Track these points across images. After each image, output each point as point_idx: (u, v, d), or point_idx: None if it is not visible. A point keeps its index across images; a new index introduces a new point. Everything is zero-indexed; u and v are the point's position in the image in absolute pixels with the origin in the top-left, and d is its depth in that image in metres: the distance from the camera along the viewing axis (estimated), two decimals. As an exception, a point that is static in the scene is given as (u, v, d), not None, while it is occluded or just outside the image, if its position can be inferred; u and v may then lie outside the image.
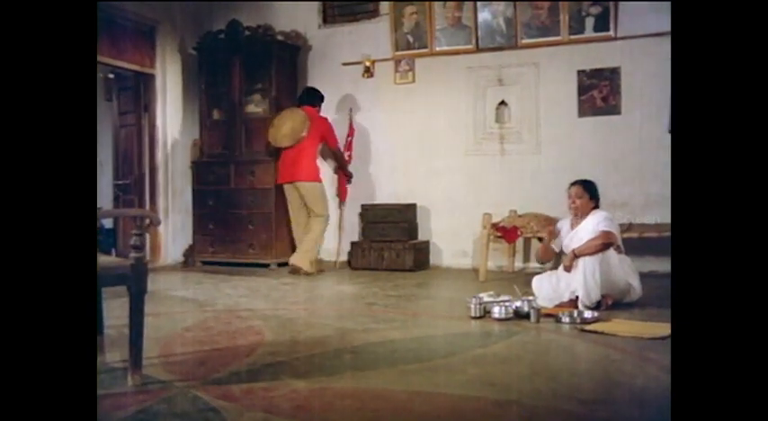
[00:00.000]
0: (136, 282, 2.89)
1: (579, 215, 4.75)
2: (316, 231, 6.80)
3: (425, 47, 7.19)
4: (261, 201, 7.27)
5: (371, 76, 7.43)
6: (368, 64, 7.39)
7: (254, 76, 7.47)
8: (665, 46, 6.15)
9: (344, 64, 7.51)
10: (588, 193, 4.77)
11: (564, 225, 4.90)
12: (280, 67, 7.43)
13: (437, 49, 7.13)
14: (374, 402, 2.81)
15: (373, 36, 7.41)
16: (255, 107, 7.51)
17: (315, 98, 7.02)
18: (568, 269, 4.57)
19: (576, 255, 4.53)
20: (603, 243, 4.50)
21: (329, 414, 2.68)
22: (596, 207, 4.79)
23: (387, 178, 7.38)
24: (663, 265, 6.17)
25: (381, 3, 7.39)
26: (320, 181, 6.91)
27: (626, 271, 4.66)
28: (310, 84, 7.70)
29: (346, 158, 7.29)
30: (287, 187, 6.86)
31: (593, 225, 4.60)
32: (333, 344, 3.84)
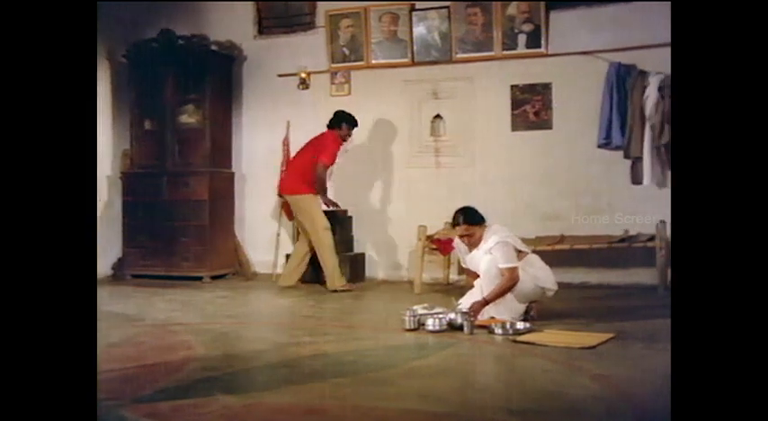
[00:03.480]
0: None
1: (474, 245, 4.71)
2: (320, 250, 6.36)
3: (361, 59, 7.21)
4: (195, 213, 7.13)
5: (307, 87, 7.40)
6: (304, 76, 7.36)
7: (187, 86, 7.34)
8: (595, 63, 6.33)
9: (280, 75, 7.46)
10: (474, 223, 4.67)
11: (460, 244, 4.84)
12: (214, 78, 7.33)
13: (373, 61, 7.16)
14: (308, 417, 2.78)
15: (309, 48, 7.38)
16: (189, 118, 7.38)
17: (334, 121, 6.53)
18: (475, 315, 4.42)
19: (488, 302, 4.47)
20: (512, 285, 4.45)
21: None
22: (483, 225, 4.71)
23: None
24: (594, 277, 6.32)
25: (317, 15, 7.38)
26: (306, 193, 6.41)
27: (533, 274, 4.59)
28: (245, 94, 7.61)
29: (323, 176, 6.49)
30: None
31: (487, 248, 4.56)
32: (266, 359, 3.79)
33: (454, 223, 4.75)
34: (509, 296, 4.49)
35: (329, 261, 6.29)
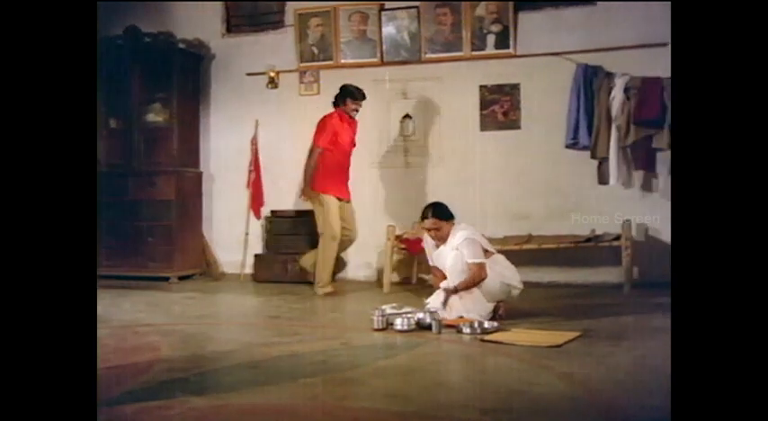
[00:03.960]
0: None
1: (441, 240, 4.74)
2: (321, 254, 6.06)
3: (331, 59, 7.19)
4: (161, 212, 7.05)
5: (276, 87, 7.36)
6: (272, 75, 7.32)
7: (154, 84, 7.25)
8: (563, 64, 6.39)
9: (249, 74, 7.41)
10: (443, 219, 4.70)
11: (429, 240, 4.87)
12: (181, 76, 7.25)
13: (342, 61, 7.15)
14: (276, 417, 2.77)
15: (278, 47, 7.34)
16: (155, 116, 7.30)
17: (338, 97, 6.17)
18: (445, 302, 4.52)
19: (457, 291, 4.52)
20: (479, 280, 4.50)
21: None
22: (452, 221, 4.75)
23: (291, 191, 7.30)
24: (562, 276, 6.38)
25: (286, 13, 7.34)
26: (317, 191, 6.04)
27: (500, 272, 4.62)
28: (213, 93, 7.55)
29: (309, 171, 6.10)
30: None
31: (454, 244, 4.60)
32: (235, 359, 3.75)
33: (423, 216, 4.77)
34: (477, 295, 4.51)
35: (326, 267, 6.05)
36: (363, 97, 6.20)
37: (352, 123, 6.25)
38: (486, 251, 4.66)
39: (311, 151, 6.10)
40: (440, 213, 4.72)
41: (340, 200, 6.10)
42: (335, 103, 6.19)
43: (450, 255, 4.59)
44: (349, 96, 6.13)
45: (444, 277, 4.71)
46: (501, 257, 4.78)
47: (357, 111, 6.21)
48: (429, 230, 4.75)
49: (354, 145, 6.29)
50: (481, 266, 4.50)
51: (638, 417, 2.69)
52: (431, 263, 4.97)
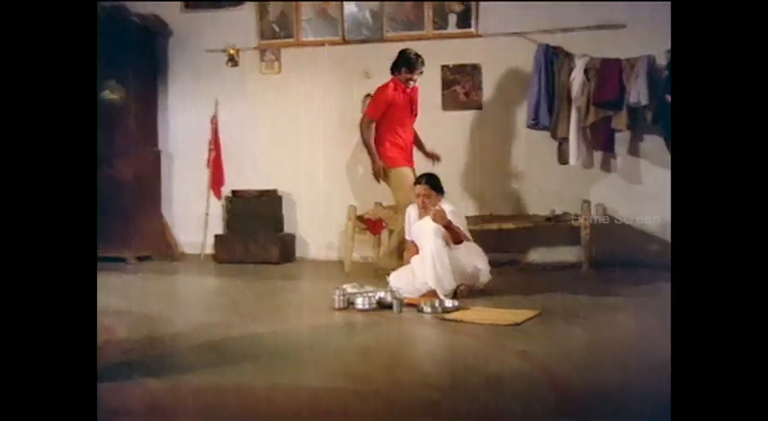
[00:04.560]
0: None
1: (427, 209, 4.81)
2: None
3: (291, 37, 7.09)
4: (119, 192, 6.91)
5: (236, 65, 7.24)
6: (232, 52, 7.19)
7: (108, 61, 7.06)
8: (524, 44, 6.40)
9: (208, 51, 7.28)
10: (434, 189, 4.84)
11: (412, 212, 4.97)
12: (137, 53, 7.08)
13: (303, 39, 7.06)
14: (234, 397, 2.75)
15: (238, 24, 7.21)
16: (111, 94, 7.11)
17: (393, 66, 5.73)
18: (440, 217, 4.59)
19: (450, 227, 4.60)
20: (466, 238, 4.64)
21: (185, 411, 2.59)
22: (442, 196, 4.88)
23: (252, 170, 7.22)
24: (521, 255, 6.43)
25: (246, -10, 7.22)
26: (389, 165, 5.71)
27: (473, 256, 4.75)
28: (171, 71, 7.39)
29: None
30: None
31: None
32: (192, 340, 3.72)
33: (417, 182, 4.92)
34: (445, 269, 4.53)
35: (392, 242, 5.74)
36: (417, 67, 5.66)
37: (413, 91, 5.78)
38: (463, 235, 4.76)
39: (360, 123, 5.80)
40: (433, 183, 4.87)
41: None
42: (392, 71, 5.73)
43: (432, 224, 4.62)
44: (403, 64, 5.66)
45: (416, 253, 4.77)
46: (475, 245, 4.89)
47: (412, 81, 5.72)
48: (419, 196, 4.83)
49: (415, 114, 5.84)
50: (465, 236, 4.70)
51: (593, 395, 2.72)
52: (408, 237, 4.99)
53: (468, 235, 4.87)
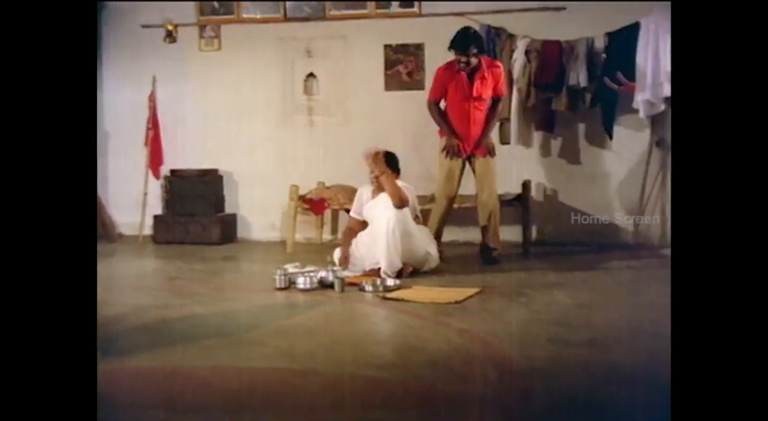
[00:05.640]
0: None
1: (380, 186, 4.81)
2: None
3: (232, 13, 6.96)
4: (52, 171, 6.71)
5: (174, 41, 7.07)
6: (170, 28, 7.02)
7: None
8: (467, 24, 6.40)
9: (144, 26, 7.07)
10: (391, 167, 4.81)
11: (365, 192, 4.96)
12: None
13: (244, 15, 6.93)
14: (173, 379, 2.72)
15: (176, -2, 7.04)
16: (43, 69, 6.88)
17: (454, 44, 5.25)
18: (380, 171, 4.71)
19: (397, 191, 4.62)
20: (403, 202, 4.60)
21: (122, 393, 2.54)
22: (398, 175, 4.86)
23: (192, 149, 7.08)
24: (462, 235, 6.48)
25: (185, -36, 7.03)
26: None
27: (425, 240, 4.83)
28: (105, 45, 7.12)
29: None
30: None
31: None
32: (129, 322, 3.65)
33: (374, 158, 4.82)
34: (397, 250, 4.53)
35: (431, 225, 5.39)
36: (458, 47, 5.18)
37: (473, 72, 5.29)
38: (416, 216, 4.85)
39: (428, 106, 5.57)
40: (390, 161, 4.84)
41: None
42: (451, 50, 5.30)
43: (389, 205, 4.60)
44: (454, 47, 5.23)
45: (360, 230, 4.82)
46: (426, 229, 4.98)
47: (465, 64, 5.20)
48: (374, 172, 4.78)
49: (474, 97, 5.33)
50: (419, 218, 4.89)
51: (530, 370, 2.78)
52: (356, 215, 4.97)
53: (420, 216, 4.90)
